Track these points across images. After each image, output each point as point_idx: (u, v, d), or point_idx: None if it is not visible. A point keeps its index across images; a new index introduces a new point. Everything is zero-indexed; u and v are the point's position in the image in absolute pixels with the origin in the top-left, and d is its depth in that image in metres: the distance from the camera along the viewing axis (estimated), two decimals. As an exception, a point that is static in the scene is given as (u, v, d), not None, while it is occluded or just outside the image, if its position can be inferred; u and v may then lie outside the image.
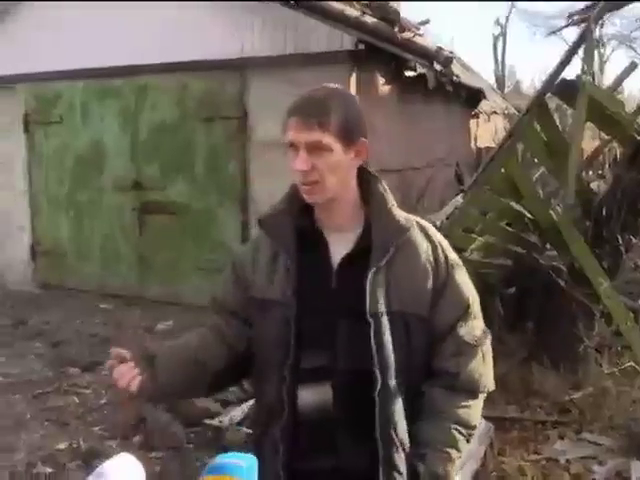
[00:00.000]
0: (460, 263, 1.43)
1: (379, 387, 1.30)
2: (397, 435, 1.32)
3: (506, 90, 21.69)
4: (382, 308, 1.31)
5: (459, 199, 4.93)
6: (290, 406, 1.32)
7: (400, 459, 1.32)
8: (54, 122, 6.69)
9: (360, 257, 1.34)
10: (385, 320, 1.31)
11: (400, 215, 1.37)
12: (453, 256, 1.41)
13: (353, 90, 5.28)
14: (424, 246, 1.38)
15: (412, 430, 1.35)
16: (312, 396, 1.32)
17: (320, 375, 1.32)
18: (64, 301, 6.37)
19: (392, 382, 1.31)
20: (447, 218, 4.64)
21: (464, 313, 1.41)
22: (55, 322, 5.79)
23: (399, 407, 1.32)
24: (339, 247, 1.36)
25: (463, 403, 1.38)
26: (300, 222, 1.37)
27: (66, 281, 6.72)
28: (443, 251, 1.40)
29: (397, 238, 1.34)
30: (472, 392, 1.40)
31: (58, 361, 4.86)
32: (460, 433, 1.37)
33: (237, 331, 1.43)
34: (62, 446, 3.54)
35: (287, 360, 1.32)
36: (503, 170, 4.52)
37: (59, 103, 6.66)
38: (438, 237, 1.43)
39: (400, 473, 1.32)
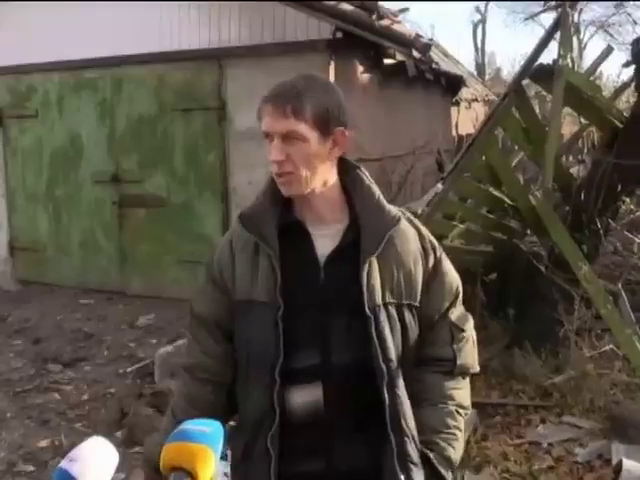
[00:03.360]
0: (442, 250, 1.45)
1: (386, 379, 1.29)
2: (407, 425, 1.31)
3: (486, 77, 21.76)
4: (379, 300, 1.30)
5: (439, 186, 4.81)
6: (281, 409, 1.28)
7: (413, 449, 1.32)
8: (29, 116, 6.59)
9: (348, 251, 1.31)
10: (383, 312, 1.30)
11: (389, 207, 1.36)
12: (437, 244, 1.42)
13: (332, 79, 5.27)
14: (412, 235, 1.38)
15: (416, 417, 1.35)
16: (304, 397, 1.30)
17: (312, 374, 1.30)
18: (44, 297, 6.30)
19: (396, 373, 1.31)
20: (427, 205, 4.57)
21: (454, 299, 1.43)
22: (35, 318, 5.72)
23: (405, 398, 1.32)
24: (324, 241, 1.33)
25: (459, 385, 1.42)
26: (281, 216, 1.34)
27: (46, 277, 6.65)
28: (429, 239, 1.41)
29: (389, 229, 1.33)
30: (465, 374, 1.45)
31: (39, 358, 4.81)
32: (459, 414, 1.41)
33: (223, 351, 1.38)
34: (44, 444, 3.51)
35: (277, 362, 1.28)
36: (483, 157, 4.53)
37: (34, 97, 6.57)
38: (422, 226, 1.43)
39: (415, 464, 1.31)
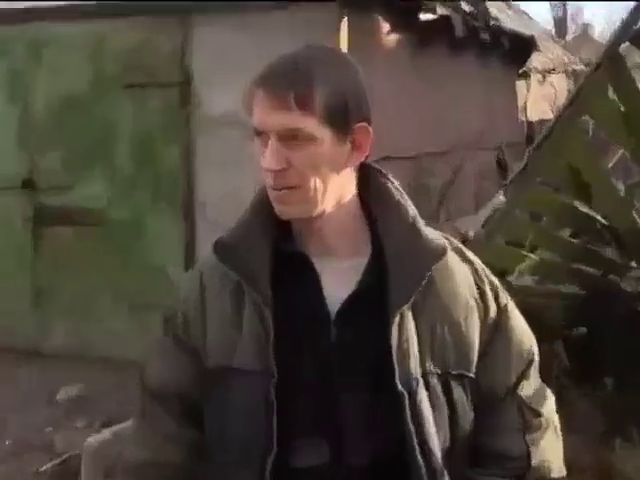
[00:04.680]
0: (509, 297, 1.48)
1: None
2: None
3: (570, 37, 21.84)
4: (416, 370, 1.32)
5: (501, 197, 5.00)
6: None
7: None
8: None
9: (369, 297, 1.34)
10: (421, 387, 1.32)
11: (428, 231, 1.39)
12: (501, 286, 1.46)
13: (344, 43, 5.39)
14: (463, 273, 1.41)
15: None
16: None
17: (318, 478, 1.31)
18: None
19: (440, 475, 1.32)
20: (484, 226, 4.71)
21: (526, 368, 1.45)
22: None
23: None
24: (336, 283, 1.36)
25: None
26: (276, 246, 1.37)
27: None
28: (490, 279, 1.44)
29: (429, 265, 1.35)
30: None
31: None
32: None
33: (189, 439, 1.42)
34: None
35: (268, 458, 1.29)
36: (563, 155, 4.56)
37: None
38: (479, 262, 1.46)
39: None
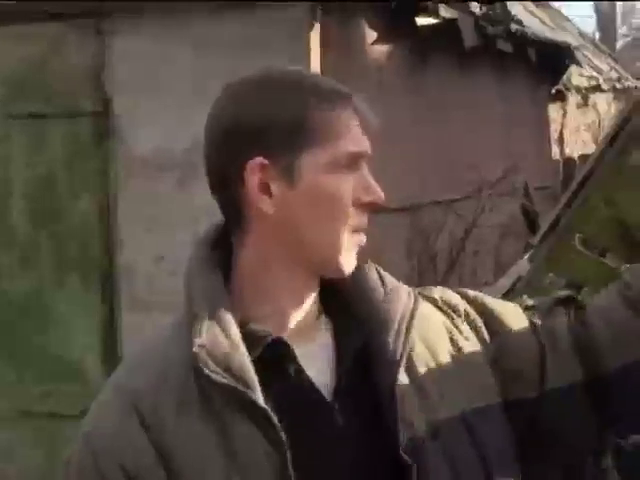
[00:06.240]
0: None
1: None
2: None
3: (620, 44, 20.99)
4: (422, 429, 1.33)
5: (527, 262, 4.56)
6: None
7: None
8: None
9: (353, 375, 1.36)
10: (433, 448, 1.33)
11: (395, 280, 1.45)
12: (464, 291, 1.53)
13: (316, 58, 4.94)
14: (430, 309, 1.47)
15: None
16: None
17: None
18: None
19: None
20: (504, 298, 4.43)
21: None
22: None
23: None
24: (315, 365, 1.34)
25: None
26: (247, 331, 1.32)
27: None
28: (465, 295, 1.50)
29: (409, 313, 1.38)
30: None
31: None
32: None
33: None
34: None
35: None
36: (612, 203, 4.07)
37: None
38: (437, 291, 1.54)
39: None
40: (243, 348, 1.28)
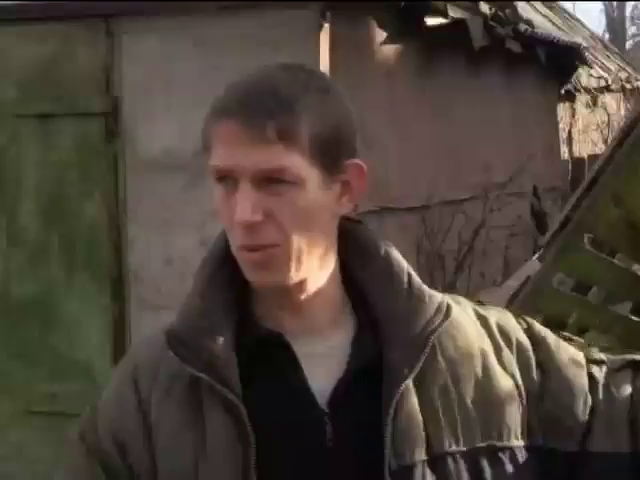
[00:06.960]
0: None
1: None
2: None
3: (629, 44, 21.04)
4: (420, 456, 1.29)
5: (536, 262, 4.69)
6: None
7: None
8: None
9: (363, 377, 1.31)
10: (426, 475, 1.29)
11: (426, 290, 1.37)
12: (540, 327, 1.46)
13: (325, 58, 4.97)
14: (474, 327, 1.39)
15: None
16: None
17: None
18: None
19: None
20: (513, 299, 4.32)
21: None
22: None
23: None
24: (321, 366, 1.31)
25: None
26: (243, 326, 1.32)
27: None
28: (521, 321, 1.44)
29: (432, 328, 1.32)
30: None
31: None
32: None
33: None
34: None
35: None
36: (622, 203, 4.08)
37: None
38: (495, 312, 1.46)
39: None
40: (230, 344, 1.28)
